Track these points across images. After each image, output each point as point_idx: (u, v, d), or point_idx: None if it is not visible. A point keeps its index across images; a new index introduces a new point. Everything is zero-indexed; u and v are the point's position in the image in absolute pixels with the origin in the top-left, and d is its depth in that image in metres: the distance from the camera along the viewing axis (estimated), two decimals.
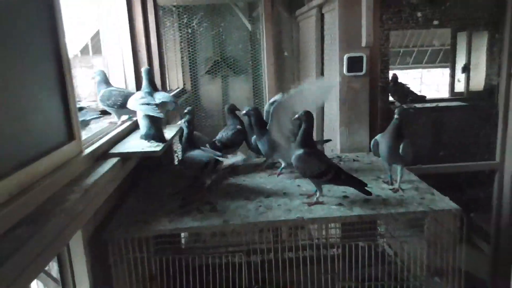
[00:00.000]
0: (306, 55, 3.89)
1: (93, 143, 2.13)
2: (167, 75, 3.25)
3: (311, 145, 2.16)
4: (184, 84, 3.98)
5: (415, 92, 4.56)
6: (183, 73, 3.79)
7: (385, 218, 2.18)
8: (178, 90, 3.73)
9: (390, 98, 4.11)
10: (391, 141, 2.29)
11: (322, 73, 3.51)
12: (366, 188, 2.12)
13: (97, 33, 3.10)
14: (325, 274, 2.13)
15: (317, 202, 2.16)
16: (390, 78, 4.05)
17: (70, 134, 1.85)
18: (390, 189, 2.34)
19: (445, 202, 2.13)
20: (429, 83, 7.77)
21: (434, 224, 2.08)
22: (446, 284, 2.06)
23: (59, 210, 1.40)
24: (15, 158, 1.39)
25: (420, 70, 7.32)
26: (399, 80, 4.37)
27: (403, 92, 4.34)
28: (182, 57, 3.47)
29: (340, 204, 2.15)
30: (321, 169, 2.10)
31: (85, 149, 1.99)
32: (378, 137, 2.41)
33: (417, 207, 2.09)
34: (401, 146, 2.26)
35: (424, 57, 6.60)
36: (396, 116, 2.26)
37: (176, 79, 3.79)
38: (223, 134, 2.80)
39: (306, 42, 3.91)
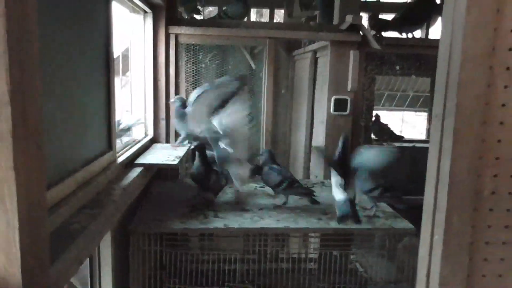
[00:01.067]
0: (300, 92, 4.43)
1: (122, 154, 2.60)
2: None
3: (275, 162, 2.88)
4: None
5: (394, 132, 5.13)
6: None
7: (355, 231, 2.66)
8: None
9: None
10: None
11: (312, 109, 4.04)
12: (313, 197, 2.76)
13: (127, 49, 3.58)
14: (304, 275, 2.61)
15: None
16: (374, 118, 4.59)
17: (109, 144, 2.32)
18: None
19: (404, 223, 2.63)
20: (415, 124, 8.43)
21: (393, 241, 2.57)
22: None
23: (110, 200, 1.88)
24: (79, 160, 1.87)
25: (402, 112, 7.97)
26: (381, 120, 4.95)
27: (383, 131, 4.91)
28: (186, 86, 3.93)
29: (319, 219, 2.64)
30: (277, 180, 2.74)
31: (118, 158, 2.47)
32: None
33: (381, 225, 2.59)
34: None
35: (406, 101, 7.24)
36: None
37: None
38: None
39: (300, 80, 4.46)
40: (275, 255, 2.83)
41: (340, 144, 2.58)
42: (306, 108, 4.12)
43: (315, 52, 4.13)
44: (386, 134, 4.90)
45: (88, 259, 2.33)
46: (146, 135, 3.33)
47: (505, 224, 1.16)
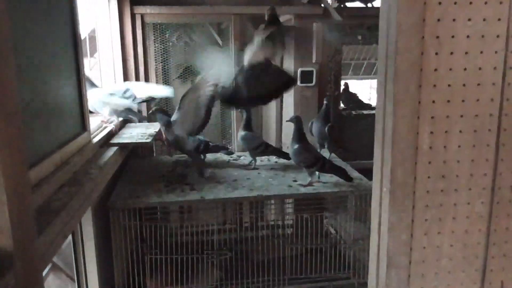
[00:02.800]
0: None
1: (96, 135, 2.67)
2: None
3: (304, 140, 2.80)
4: None
5: (362, 100, 5.32)
6: (156, 78, 4.31)
7: (323, 195, 2.83)
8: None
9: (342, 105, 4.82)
10: (321, 124, 3.03)
11: None
12: (346, 175, 2.76)
13: (93, 31, 3.60)
14: (278, 239, 2.78)
15: (310, 184, 2.78)
16: (343, 87, 4.75)
17: (83, 125, 2.40)
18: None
19: (369, 185, 2.82)
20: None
21: (359, 202, 2.76)
22: (367, 245, 2.75)
23: (88, 179, 1.97)
24: (57, 141, 1.95)
25: (370, 80, 8.18)
26: (350, 89, 5.12)
27: (351, 100, 5.09)
28: (155, 65, 3.96)
29: (290, 186, 2.80)
30: (312, 160, 2.73)
31: (93, 139, 2.54)
32: (313, 120, 3.14)
33: (347, 188, 2.77)
34: (326, 128, 3.00)
35: (373, 69, 7.42)
36: (325, 102, 3.14)
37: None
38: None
39: None
40: (252, 223, 2.99)
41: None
42: None
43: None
44: (353, 103, 5.08)
45: (71, 235, 2.44)
46: None
47: (442, 174, 1.32)
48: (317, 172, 2.81)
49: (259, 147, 3.11)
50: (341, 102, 4.81)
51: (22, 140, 1.19)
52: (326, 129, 3.09)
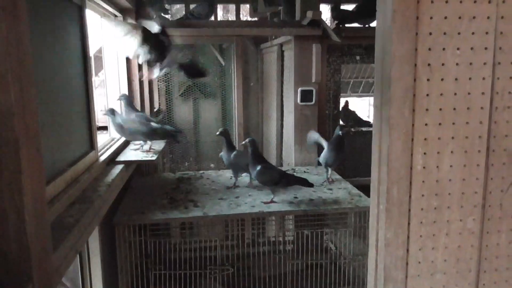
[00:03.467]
0: (268, 84, 4.64)
1: (104, 153, 2.76)
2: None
3: (263, 161, 2.88)
4: (159, 105, 4.64)
5: (361, 118, 5.43)
6: (159, 96, 4.41)
7: (323, 212, 2.90)
8: (155, 110, 4.39)
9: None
10: (335, 152, 3.10)
11: (281, 100, 4.26)
12: (308, 183, 2.86)
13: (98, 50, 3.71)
14: (279, 255, 2.84)
15: (272, 201, 2.86)
16: (343, 104, 4.86)
17: (91, 144, 2.48)
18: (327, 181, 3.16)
19: (368, 202, 2.89)
20: None
21: (359, 218, 2.83)
22: (366, 261, 2.81)
23: (96, 196, 2.05)
24: (68, 159, 2.03)
25: (369, 97, 8.31)
26: (349, 107, 5.24)
27: (350, 117, 5.19)
28: (159, 84, 4.07)
29: (291, 203, 2.87)
30: (277, 177, 2.81)
31: (100, 157, 2.62)
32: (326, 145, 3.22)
33: (347, 204, 2.85)
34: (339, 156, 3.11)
35: (371, 86, 7.55)
36: (340, 132, 3.18)
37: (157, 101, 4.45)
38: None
39: (268, 73, 4.67)
40: (253, 239, 3.05)
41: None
42: (275, 99, 4.33)
43: (281, 45, 4.33)
44: (352, 120, 5.19)
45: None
46: None
47: (435, 192, 1.40)
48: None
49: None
50: (340, 119, 4.90)
51: (40, 161, 1.27)
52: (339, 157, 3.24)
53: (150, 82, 3.67)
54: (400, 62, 1.30)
